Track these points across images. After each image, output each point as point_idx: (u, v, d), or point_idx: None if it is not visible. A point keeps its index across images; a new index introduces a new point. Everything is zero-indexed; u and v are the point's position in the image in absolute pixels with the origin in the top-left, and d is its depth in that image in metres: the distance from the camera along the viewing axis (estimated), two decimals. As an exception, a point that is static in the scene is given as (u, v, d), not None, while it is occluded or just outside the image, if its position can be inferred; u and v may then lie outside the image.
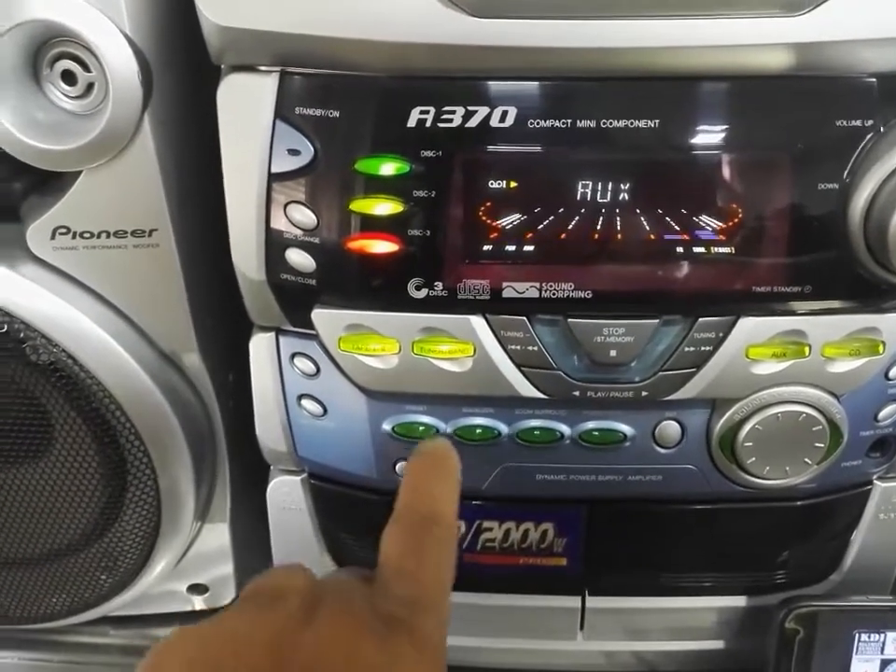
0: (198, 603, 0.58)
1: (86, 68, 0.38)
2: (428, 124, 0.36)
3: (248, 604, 0.29)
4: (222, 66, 0.38)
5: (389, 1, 0.34)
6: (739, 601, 0.52)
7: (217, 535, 0.54)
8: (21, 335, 0.41)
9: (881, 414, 0.45)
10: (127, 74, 0.37)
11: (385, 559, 0.32)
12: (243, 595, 0.31)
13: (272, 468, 0.50)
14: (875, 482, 0.48)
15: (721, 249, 0.38)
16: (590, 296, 0.39)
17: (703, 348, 0.40)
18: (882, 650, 0.49)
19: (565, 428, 0.44)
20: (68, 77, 0.38)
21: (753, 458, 0.43)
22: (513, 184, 0.38)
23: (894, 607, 0.48)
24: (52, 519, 0.48)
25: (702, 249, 0.38)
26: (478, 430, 0.44)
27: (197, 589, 0.57)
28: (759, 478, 0.44)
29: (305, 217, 0.38)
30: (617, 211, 0.38)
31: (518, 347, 0.40)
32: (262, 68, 0.37)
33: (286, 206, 0.38)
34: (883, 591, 0.52)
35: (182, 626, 0.29)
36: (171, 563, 0.52)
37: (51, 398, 0.43)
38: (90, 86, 0.38)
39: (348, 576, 0.33)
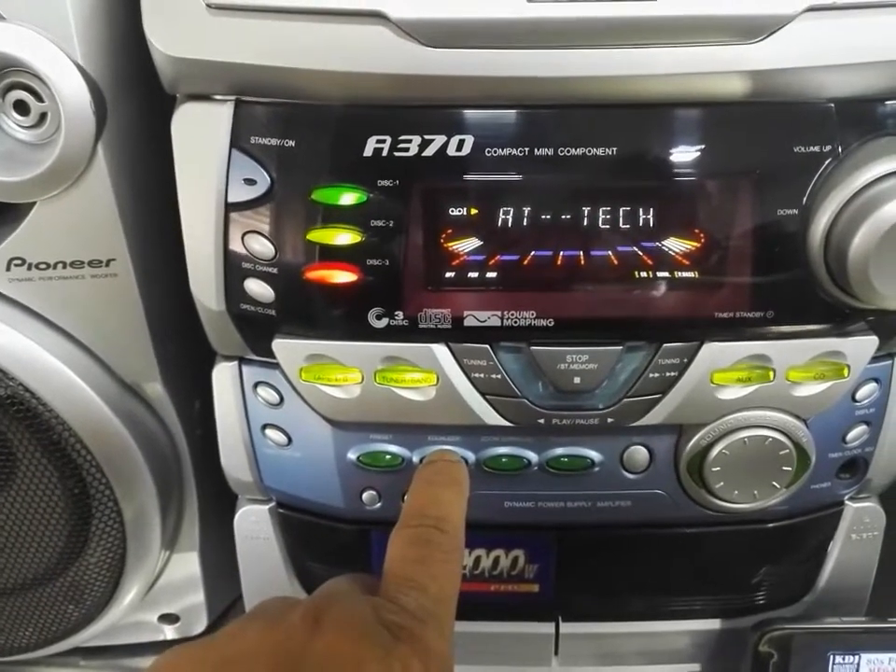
0: (169, 632, 0.57)
1: (38, 98, 0.37)
2: (385, 153, 0.36)
3: (256, 620, 0.29)
4: (177, 95, 0.37)
5: (344, 31, 0.34)
6: (713, 624, 0.52)
7: (187, 564, 0.54)
8: (-23, 369, 0.41)
9: (849, 436, 0.44)
10: (79, 103, 0.37)
11: (390, 565, 0.31)
12: (250, 613, 0.31)
13: (239, 497, 0.50)
14: (846, 502, 0.48)
15: (683, 275, 0.38)
16: (552, 324, 0.38)
17: (667, 374, 0.40)
18: (857, 671, 0.48)
19: (532, 455, 0.44)
20: (21, 108, 0.37)
21: (721, 483, 0.43)
22: (473, 212, 0.37)
23: (868, 628, 0.48)
24: (16, 551, 0.47)
25: (664, 275, 0.38)
26: (445, 458, 0.44)
27: (168, 618, 0.56)
28: (728, 502, 0.44)
29: (263, 246, 0.38)
30: (577, 238, 0.37)
31: (482, 375, 0.40)
32: (217, 97, 0.37)
33: (243, 236, 0.38)
34: (858, 611, 0.51)
35: (179, 646, 0.28)
36: (140, 593, 0.51)
37: (11, 430, 0.43)
38: (42, 116, 0.37)
39: (350, 583, 0.32)
